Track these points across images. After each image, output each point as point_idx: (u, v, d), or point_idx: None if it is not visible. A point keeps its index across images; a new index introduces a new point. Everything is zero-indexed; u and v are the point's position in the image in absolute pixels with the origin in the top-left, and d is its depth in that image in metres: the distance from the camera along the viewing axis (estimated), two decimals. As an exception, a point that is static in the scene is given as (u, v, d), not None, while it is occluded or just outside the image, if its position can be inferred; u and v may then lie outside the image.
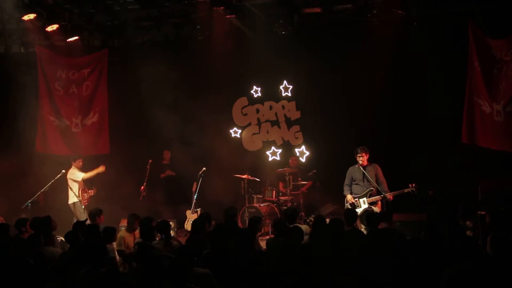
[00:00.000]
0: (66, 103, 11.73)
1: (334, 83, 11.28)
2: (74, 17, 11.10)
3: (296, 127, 12.14)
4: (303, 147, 12.02)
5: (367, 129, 10.92)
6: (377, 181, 9.20)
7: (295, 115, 12.13)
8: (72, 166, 10.58)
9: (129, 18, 11.33)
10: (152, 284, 5.10)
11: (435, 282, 4.88)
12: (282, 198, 11.28)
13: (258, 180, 11.50)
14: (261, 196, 11.45)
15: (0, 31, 11.61)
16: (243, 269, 5.34)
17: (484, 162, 9.84)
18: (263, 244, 8.00)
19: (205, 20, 11.18)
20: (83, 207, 10.25)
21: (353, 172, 9.38)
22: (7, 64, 11.67)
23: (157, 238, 7.11)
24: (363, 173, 9.18)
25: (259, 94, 12.31)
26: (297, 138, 12.13)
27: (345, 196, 9.42)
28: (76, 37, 11.45)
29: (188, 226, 10.91)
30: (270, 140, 12.31)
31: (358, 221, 8.78)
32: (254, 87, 12.29)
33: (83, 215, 9.93)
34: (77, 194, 10.38)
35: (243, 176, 11.41)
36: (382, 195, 9.05)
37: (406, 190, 9.06)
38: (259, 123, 12.39)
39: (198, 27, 11.37)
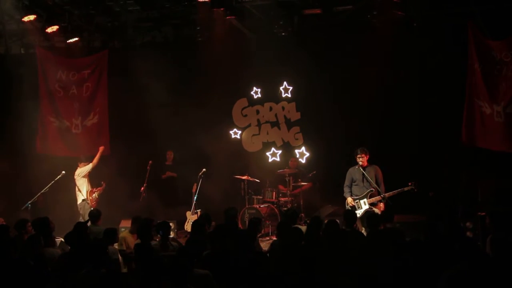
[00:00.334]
0: (66, 104, 11.73)
1: (334, 84, 11.29)
2: (74, 18, 11.10)
3: (296, 128, 12.15)
4: (303, 148, 12.02)
5: (367, 130, 10.93)
6: (377, 182, 9.18)
7: (295, 116, 12.14)
8: (79, 167, 10.64)
9: (129, 19, 11.35)
10: (151, 284, 5.10)
11: (434, 283, 4.88)
12: (282, 199, 11.29)
13: (258, 181, 11.50)
14: (261, 197, 11.45)
15: (0, 32, 11.62)
16: (243, 270, 5.34)
17: (484, 162, 9.85)
18: (263, 245, 8.01)
19: (205, 21, 11.18)
20: (91, 208, 10.29)
21: (353, 173, 9.37)
22: (7, 65, 11.69)
23: (157, 239, 7.12)
24: (363, 174, 9.17)
25: (259, 95, 12.32)
26: (297, 139, 12.13)
27: (345, 197, 9.42)
28: (76, 38, 11.45)
29: (188, 227, 10.91)
30: (270, 141, 12.31)
31: (358, 223, 8.82)
32: (254, 88, 12.30)
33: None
34: (85, 196, 10.48)
35: (243, 177, 11.41)
36: (381, 196, 9.02)
37: (406, 189, 9.03)
38: (259, 124, 12.39)
39: (198, 28, 11.37)
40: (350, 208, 9.15)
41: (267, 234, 10.71)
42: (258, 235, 8.40)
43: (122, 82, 11.81)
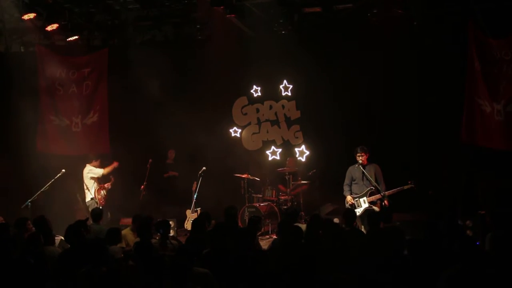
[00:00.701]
0: (66, 102, 11.72)
1: (334, 82, 11.29)
2: (74, 16, 11.09)
3: (296, 127, 12.15)
4: (303, 146, 12.02)
5: (367, 128, 10.93)
6: (377, 181, 9.19)
7: (295, 114, 12.14)
8: (87, 165, 10.69)
9: (129, 18, 11.33)
10: (151, 283, 5.10)
11: (434, 282, 4.89)
12: (282, 197, 11.29)
13: (258, 179, 11.50)
14: (261, 196, 11.45)
15: (0, 30, 11.60)
16: (243, 268, 5.34)
17: (484, 162, 9.85)
18: (263, 243, 8.01)
19: (205, 20, 11.19)
20: (101, 207, 10.37)
21: (352, 171, 9.38)
22: (7, 63, 11.68)
23: (156, 238, 7.12)
24: (363, 173, 9.18)
25: (259, 94, 12.31)
26: (297, 137, 12.13)
27: (345, 196, 9.42)
28: (76, 37, 11.44)
29: (188, 225, 10.92)
30: (270, 140, 12.31)
31: (358, 221, 8.83)
32: (254, 86, 12.29)
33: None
34: (94, 195, 10.54)
35: (243, 176, 11.41)
36: (382, 194, 9.04)
37: (406, 187, 9.05)
38: (259, 123, 12.39)
39: (198, 26, 11.36)
40: (349, 207, 9.17)
41: (267, 233, 10.72)
42: (258, 234, 8.42)
43: (122, 81, 11.81)
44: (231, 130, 12.42)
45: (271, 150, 12.23)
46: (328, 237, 6.35)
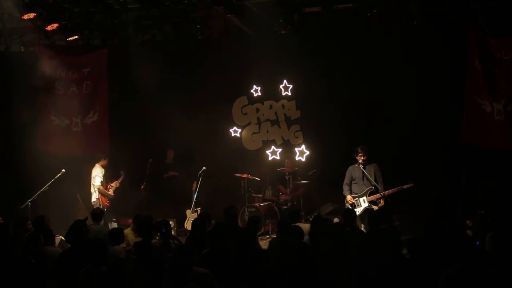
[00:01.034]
0: (66, 102, 11.70)
1: (334, 82, 11.28)
2: (74, 16, 11.08)
3: (296, 126, 12.14)
4: (303, 146, 12.01)
5: (367, 128, 10.93)
6: (376, 180, 9.21)
7: (295, 114, 12.13)
8: (96, 165, 10.72)
9: (129, 17, 11.30)
10: (151, 283, 5.10)
11: (434, 282, 4.89)
12: (282, 197, 11.30)
13: (258, 179, 11.50)
14: (261, 195, 11.46)
15: (0, 30, 11.60)
16: (243, 268, 5.34)
17: (484, 162, 9.85)
18: (262, 243, 8.01)
19: (205, 19, 11.17)
20: (105, 210, 10.46)
21: (352, 171, 9.40)
22: (7, 63, 11.68)
23: (156, 237, 7.12)
24: (363, 172, 9.20)
25: (259, 93, 12.31)
26: (297, 137, 12.13)
27: (344, 196, 9.43)
28: (76, 36, 11.43)
29: (188, 225, 10.93)
30: (270, 140, 12.30)
31: (358, 221, 8.84)
32: (254, 86, 12.29)
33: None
34: (98, 196, 10.66)
35: (243, 176, 11.41)
36: (381, 194, 9.05)
37: (405, 187, 9.08)
38: (259, 122, 12.39)
39: (198, 26, 11.36)
40: (350, 206, 9.19)
41: (267, 233, 10.72)
42: (258, 234, 8.43)
43: (122, 80, 11.80)
44: (231, 130, 12.41)
45: (271, 150, 12.23)
46: (329, 237, 6.35)
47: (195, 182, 11.30)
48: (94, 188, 10.69)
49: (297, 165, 11.69)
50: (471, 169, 10.02)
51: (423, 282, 5.00)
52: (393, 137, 10.70)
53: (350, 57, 11.03)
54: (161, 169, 11.92)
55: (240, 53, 11.46)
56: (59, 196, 10.76)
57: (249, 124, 12.43)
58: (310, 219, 9.28)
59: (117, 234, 7.12)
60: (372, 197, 9.17)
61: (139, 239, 7.21)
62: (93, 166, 10.88)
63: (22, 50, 12.35)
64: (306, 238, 6.88)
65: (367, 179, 9.18)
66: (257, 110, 12.39)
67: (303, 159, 11.94)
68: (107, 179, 10.92)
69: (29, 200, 9.88)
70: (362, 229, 8.67)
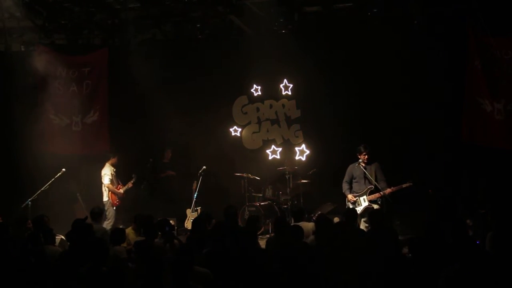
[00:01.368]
0: (66, 101, 11.72)
1: (334, 81, 11.27)
2: (74, 15, 11.09)
3: (296, 126, 12.13)
4: (303, 145, 12.00)
5: (367, 127, 10.92)
6: (376, 179, 9.23)
7: (295, 113, 12.12)
8: (106, 164, 10.74)
9: (129, 17, 11.31)
10: (151, 282, 5.10)
11: (435, 281, 4.89)
12: (282, 197, 11.29)
13: (258, 178, 11.50)
14: (261, 195, 11.46)
15: (0, 30, 11.60)
16: (243, 268, 5.35)
17: (484, 161, 9.85)
18: (262, 243, 8.00)
19: (205, 19, 11.18)
20: (114, 208, 10.54)
21: (353, 170, 9.42)
22: (7, 62, 11.67)
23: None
24: (364, 171, 9.22)
25: (259, 93, 12.30)
26: (297, 136, 12.12)
27: (344, 194, 9.46)
28: (76, 36, 11.44)
29: (188, 224, 10.93)
30: (270, 139, 12.29)
31: (358, 219, 8.87)
32: (254, 85, 12.27)
33: (113, 214, 10.53)
34: (109, 196, 10.65)
35: (243, 175, 11.41)
36: (381, 193, 9.09)
37: (404, 186, 9.11)
38: (259, 122, 12.38)
39: (198, 25, 11.36)
40: (350, 205, 9.24)
41: (267, 232, 10.72)
42: (258, 233, 8.43)
43: (122, 80, 11.80)
44: (231, 129, 12.40)
45: (271, 149, 12.22)
46: (333, 236, 6.36)
47: (195, 182, 11.30)
48: (104, 187, 10.70)
49: (297, 165, 11.68)
50: (471, 169, 10.03)
51: (423, 281, 5.00)
52: (393, 137, 10.70)
53: (350, 56, 11.03)
54: (159, 169, 11.89)
55: (240, 52, 11.44)
56: (59, 195, 10.76)
57: (249, 123, 12.42)
58: (314, 218, 9.29)
59: (119, 234, 7.13)
60: (372, 196, 9.19)
61: (140, 238, 7.23)
62: (103, 165, 10.88)
63: (22, 49, 12.34)
64: (311, 237, 6.89)
65: (368, 178, 9.19)
66: (257, 109, 12.38)
67: (303, 159, 11.94)
68: (119, 179, 10.91)
69: (29, 200, 9.89)
70: (363, 227, 8.68)
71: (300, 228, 6.85)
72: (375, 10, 10.30)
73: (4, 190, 11.36)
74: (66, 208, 10.86)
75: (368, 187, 9.22)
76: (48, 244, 6.86)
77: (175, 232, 10.35)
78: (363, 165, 9.30)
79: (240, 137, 12.40)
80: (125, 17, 11.32)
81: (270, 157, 12.18)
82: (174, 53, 11.99)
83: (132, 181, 10.86)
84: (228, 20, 11.27)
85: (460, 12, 9.91)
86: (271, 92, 12.24)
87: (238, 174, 11.46)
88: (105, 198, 10.71)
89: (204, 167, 11.28)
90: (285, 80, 12.10)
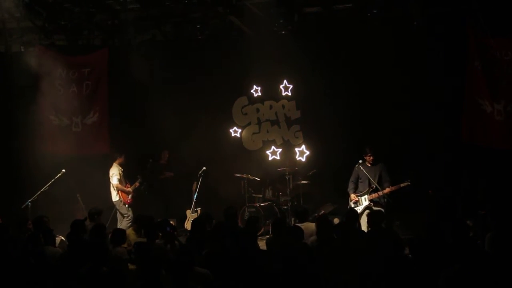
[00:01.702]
0: (66, 102, 11.73)
1: (334, 82, 11.28)
2: (74, 16, 11.09)
3: (296, 127, 12.13)
4: (303, 146, 12.00)
5: (367, 128, 10.92)
6: (381, 180, 9.49)
7: (295, 114, 12.12)
8: (114, 164, 10.74)
9: (129, 17, 11.32)
10: (151, 283, 5.10)
11: (435, 282, 4.89)
12: (282, 197, 11.29)
13: (258, 179, 11.50)
14: (261, 196, 11.45)
15: (0, 30, 11.60)
16: (242, 268, 5.34)
17: (484, 161, 9.85)
18: (261, 243, 8.00)
19: (205, 20, 11.18)
20: (126, 205, 10.53)
21: (358, 170, 9.66)
22: (7, 63, 11.68)
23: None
24: (368, 172, 9.48)
25: (259, 94, 12.29)
26: (297, 137, 12.12)
27: (346, 194, 9.65)
28: (76, 36, 11.44)
29: (188, 225, 10.91)
30: (270, 140, 12.29)
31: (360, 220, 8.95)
32: (254, 86, 12.27)
33: (127, 211, 10.46)
34: (119, 195, 10.64)
35: (243, 176, 11.41)
36: (379, 193, 9.34)
37: (402, 185, 9.32)
38: (259, 123, 12.38)
39: (198, 26, 11.36)
40: (352, 204, 9.50)
41: (267, 233, 10.71)
42: (258, 234, 8.43)
43: (122, 81, 11.81)
44: (231, 130, 12.40)
45: (271, 150, 12.21)
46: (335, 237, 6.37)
47: (195, 182, 11.29)
48: (113, 187, 10.70)
49: (297, 165, 11.68)
50: (471, 169, 10.03)
51: (423, 282, 5.00)
52: (393, 137, 10.70)
53: (350, 57, 11.03)
54: (157, 171, 11.86)
55: (240, 53, 11.44)
56: (59, 196, 10.76)
57: (249, 124, 12.42)
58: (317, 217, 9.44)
59: (120, 234, 7.13)
60: (373, 196, 9.38)
61: (140, 239, 7.22)
62: (111, 166, 10.88)
63: (22, 50, 12.34)
64: (312, 237, 6.88)
65: (368, 178, 9.40)
66: (257, 110, 12.38)
67: (303, 159, 11.93)
68: (127, 178, 10.93)
69: (29, 200, 9.89)
70: (363, 227, 8.73)
71: (299, 228, 6.85)
72: (375, 10, 10.30)
73: (4, 190, 11.37)
74: (66, 209, 10.85)
75: (370, 187, 9.42)
76: (48, 245, 6.86)
77: (175, 233, 10.39)
78: (369, 165, 9.58)
79: (240, 138, 12.40)
80: (125, 18, 11.32)
81: (270, 158, 12.17)
82: (174, 54, 11.99)
83: (138, 181, 10.88)
84: (228, 20, 11.27)
85: (460, 13, 9.92)
86: (271, 92, 12.24)
87: (238, 175, 11.46)
88: (115, 198, 10.69)
89: (204, 168, 11.28)
90: (285, 81, 12.10)
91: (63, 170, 10.38)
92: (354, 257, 5.60)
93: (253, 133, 12.41)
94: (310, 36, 11.36)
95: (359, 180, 9.65)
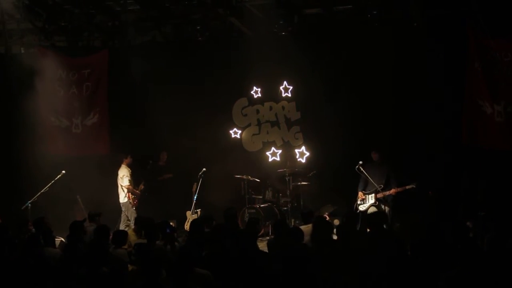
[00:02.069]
0: (66, 103, 11.73)
1: (334, 83, 11.28)
2: (74, 17, 11.10)
3: (296, 128, 12.12)
4: (303, 147, 12.00)
5: (367, 129, 10.92)
6: (389, 180, 9.77)
7: (295, 115, 12.12)
8: (122, 165, 10.75)
9: (129, 19, 11.33)
10: (151, 284, 5.10)
11: (435, 283, 4.88)
12: (282, 198, 11.29)
13: (258, 180, 11.50)
14: (261, 197, 11.45)
15: (0, 32, 11.61)
16: (242, 269, 5.34)
17: (484, 162, 9.85)
18: (261, 245, 8.00)
19: (205, 21, 11.19)
20: (134, 208, 10.55)
21: (359, 171, 9.93)
22: (7, 64, 11.68)
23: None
24: (373, 171, 9.78)
25: (259, 95, 12.29)
26: (297, 138, 12.12)
27: (346, 195, 10.07)
28: (76, 38, 11.45)
29: (188, 226, 10.90)
30: (270, 141, 12.28)
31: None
32: (254, 87, 12.27)
33: (134, 214, 10.48)
34: (128, 196, 10.72)
35: (243, 177, 11.41)
36: (385, 193, 9.63)
37: (408, 187, 9.56)
38: (259, 124, 12.38)
39: (198, 27, 11.37)
40: (359, 202, 9.90)
41: (267, 234, 10.71)
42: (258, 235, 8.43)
43: (122, 82, 11.81)
44: (231, 131, 12.40)
45: (271, 151, 12.21)
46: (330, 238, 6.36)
47: (195, 184, 11.29)
48: (122, 188, 10.69)
49: (297, 166, 11.68)
50: (471, 170, 10.03)
51: (424, 282, 4.99)
52: (393, 138, 10.70)
53: (350, 58, 11.03)
54: (156, 172, 11.85)
55: (240, 54, 11.45)
56: (59, 197, 10.76)
57: (249, 125, 12.42)
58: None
59: (120, 236, 7.13)
60: (379, 195, 9.75)
61: (140, 240, 7.22)
62: (119, 167, 10.88)
63: (22, 51, 12.35)
64: (306, 237, 6.87)
65: (377, 177, 9.72)
66: (257, 111, 12.38)
67: (303, 161, 11.93)
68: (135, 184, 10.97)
69: (29, 202, 9.89)
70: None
71: (299, 229, 6.84)
72: (375, 12, 10.32)
73: (4, 191, 11.36)
74: (66, 210, 10.85)
75: (377, 186, 9.66)
76: (48, 246, 6.86)
77: (175, 234, 10.39)
78: (375, 165, 9.94)
79: (240, 139, 12.40)
80: (125, 19, 11.34)
81: (270, 159, 12.17)
82: (174, 55, 11.99)
83: (143, 183, 10.94)
84: (228, 22, 11.29)
85: (460, 14, 9.92)
86: (271, 94, 12.24)
87: (238, 176, 11.46)
88: (123, 200, 10.72)
89: (204, 169, 11.28)
90: (285, 82, 12.10)
91: (63, 171, 10.38)
92: (354, 258, 5.60)
93: (253, 134, 12.40)
94: (310, 37, 11.37)
95: (368, 179, 9.90)
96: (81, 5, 10.94)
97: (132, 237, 7.88)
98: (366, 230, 7.27)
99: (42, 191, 10.13)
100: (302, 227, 7.29)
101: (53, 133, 11.72)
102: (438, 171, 10.23)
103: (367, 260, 5.46)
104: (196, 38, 11.56)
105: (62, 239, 8.21)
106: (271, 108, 12.29)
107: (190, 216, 11.03)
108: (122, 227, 10.24)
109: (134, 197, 10.78)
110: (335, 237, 6.93)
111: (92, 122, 11.72)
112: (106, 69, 11.69)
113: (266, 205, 11.19)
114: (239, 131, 12.40)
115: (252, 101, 12.37)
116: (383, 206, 9.66)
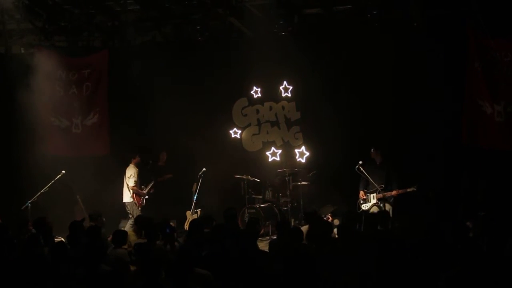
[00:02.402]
0: (66, 103, 11.75)
1: (334, 83, 11.28)
2: (74, 17, 11.10)
3: (296, 128, 12.12)
4: (303, 147, 11.99)
5: (367, 129, 10.92)
6: (389, 180, 9.75)
7: (295, 115, 12.12)
8: (130, 165, 10.78)
9: (129, 19, 11.33)
10: (151, 284, 5.10)
11: (435, 283, 4.88)
12: (282, 198, 11.29)
13: (258, 180, 11.50)
14: (261, 197, 11.45)
15: (0, 32, 11.61)
16: (242, 269, 5.34)
17: (484, 162, 9.86)
18: (261, 245, 8.00)
19: (205, 21, 11.19)
20: (139, 208, 10.60)
21: (359, 171, 9.87)
22: (7, 64, 11.68)
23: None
24: (373, 171, 9.73)
25: (259, 95, 12.29)
26: (297, 138, 12.12)
27: (346, 195, 10.07)
28: (76, 38, 11.46)
29: (188, 226, 10.92)
30: (270, 141, 12.28)
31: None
32: (254, 87, 12.27)
33: (139, 214, 10.44)
34: (133, 197, 10.73)
35: (243, 177, 11.41)
36: (386, 194, 9.60)
37: (409, 190, 9.51)
38: (259, 124, 12.37)
39: (198, 27, 11.37)
40: (361, 201, 9.87)
41: (266, 234, 10.71)
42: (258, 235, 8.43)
43: (122, 82, 11.81)
44: (231, 131, 12.40)
45: (271, 151, 12.21)
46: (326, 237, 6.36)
47: (195, 184, 11.29)
48: (128, 188, 10.70)
49: (297, 166, 11.68)
50: (471, 170, 10.03)
51: (424, 283, 4.99)
52: (393, 138, 10.71)
53: (350, 58, 11.03)
54: (155, 173, 11.84)
55: (240, 54, 11.44)
56: (59, 197, 10.76)
57: (249, 125, 12.42)
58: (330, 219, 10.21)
59: (121, 235, 7.13)
60: (380, 196, 9.69)
61: (140, 240, 7.22)
62: (127, 166, 10.89)
63: (22, 51, 12.35)
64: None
65: (377, 177, 9.71)
66: (257, 111, 12.38)
67: (303, 161, 11.92)
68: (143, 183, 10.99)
69: (29, 202, 9.89)
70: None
71: (299, 229, 6.84)
72: (374, 12, 10.32)
73: (4, 191, 11.36)
74: (66, 210, 10.84)
75: (379, 185, 9.64)
76: (47, 246, 6.86)
77: (175, 234, 10.39)
78: (376, 165, 9.90)
79: (240, 139, 12.40)
80: (125, 19, 11.34)
81: (270, 159, 12.17)
82: (174, 55, 11.99)
83: (152, 184, 11.01)
84: (228, 22, 11.28)
85: (460, 14, 9.92)
86: (271, 94, 12.24)
87: (238, 176, 11.46)
88: (127, 199, 10.73)
89: (204, 169, 11.28)
90: (285, 82, 12.10)
91: (63, 171, 10.39)
92: (354, 258, 5.60)
93: (253, 134, 12.40)
94: (310, 37, 11.37)
95: (370, 179, 9.90)
96: (81, 5, 10.94)
97: (132, 237, 7.89)
98: (368, 230, 7.29)
99: (42, 191, 10.14)
100: (303, 227, 7.32)
101: (53, 133, 11.73)
102: (438, 171, 10.24)
103: (366, 260, 5.46)
104: (196, 38, 11.56)
105: (62, 239, 8.20)
106: (271, 108, 12.29)
107: (190, 216, 11.04)
108: (127, 227, 10.21)
109: (143, 198, 10.80)
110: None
111: (92, 122, 11.73)
112: (106, 69, 11.70)
113: (266, 205, 11.19)
114: (239, 131, 12.40)
115: (252, 101, 12.37)
116: (384, 205, 9.64)
